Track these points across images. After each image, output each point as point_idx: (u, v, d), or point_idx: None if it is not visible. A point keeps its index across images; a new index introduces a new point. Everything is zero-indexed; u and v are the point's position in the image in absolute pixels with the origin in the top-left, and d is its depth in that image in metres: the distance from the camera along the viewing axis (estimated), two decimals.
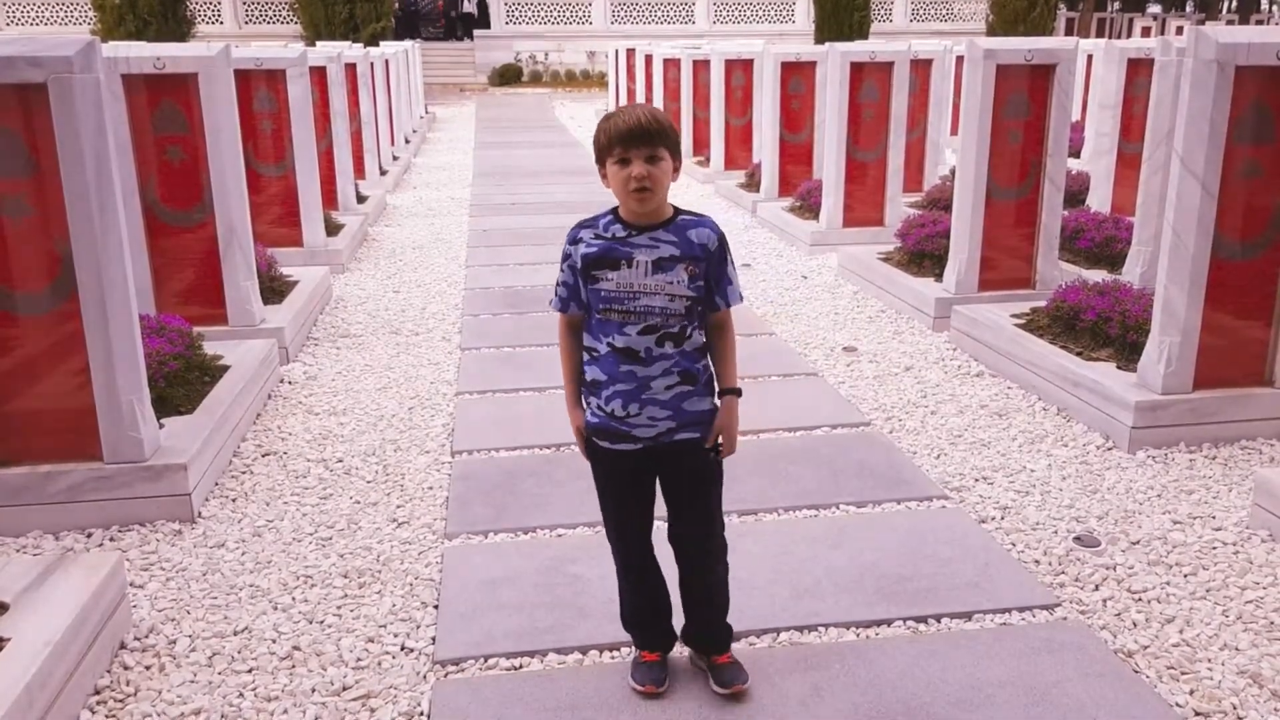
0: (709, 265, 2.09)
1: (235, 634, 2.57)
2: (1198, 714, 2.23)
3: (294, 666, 2.43)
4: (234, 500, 3.32)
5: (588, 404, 2.18)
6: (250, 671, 2.42)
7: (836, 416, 3.95)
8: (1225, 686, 2.32)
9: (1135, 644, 2.48)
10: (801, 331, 5.18)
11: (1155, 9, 38.95)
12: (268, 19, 28.02)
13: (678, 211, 2.12)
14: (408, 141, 13.18)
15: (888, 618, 2.57)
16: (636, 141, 2.01)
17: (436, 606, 2.67)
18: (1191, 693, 2.30)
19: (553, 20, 29.03)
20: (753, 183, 8.95)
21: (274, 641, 2.53)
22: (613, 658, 2.42)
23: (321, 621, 2.62)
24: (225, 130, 4.51)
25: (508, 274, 6.44)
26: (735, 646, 2.41)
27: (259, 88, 6.21)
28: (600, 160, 2.08)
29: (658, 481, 2.24)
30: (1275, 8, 34.30)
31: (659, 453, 2.14)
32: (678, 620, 2.36)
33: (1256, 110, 3.51)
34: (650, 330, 2.07)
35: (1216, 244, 3.58)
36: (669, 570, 2.32)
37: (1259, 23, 32.55)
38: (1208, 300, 3.63)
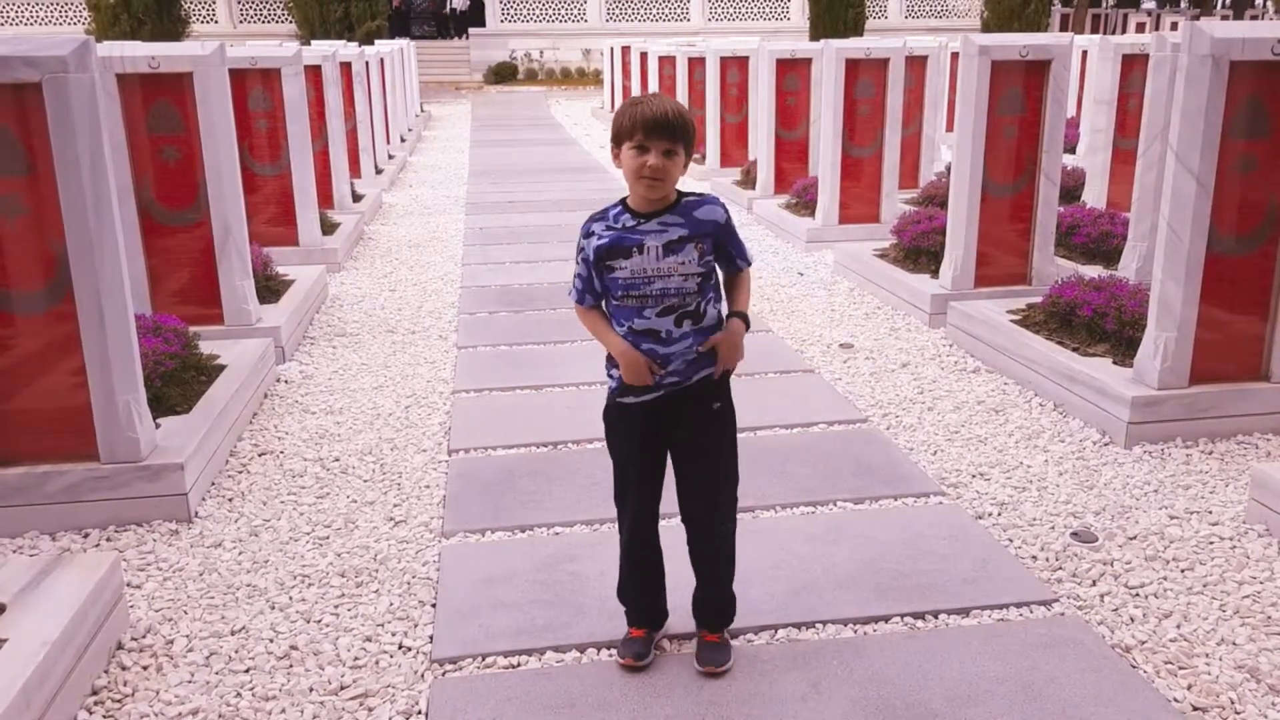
0: (720, 237, 2.20)
1: (232, 634, 2.56)
2: (1195, 709, 2.24)
3: (291, 666, 2.43)
4: (231, 500, 3.31)
5: (610, 375, 2.28)
6: (248, 671, 2.41)
7: (833, 413, 3.95)
8: (1223, 681, 2.32)
9: (1133, 639, 2.49)
10: (798, 328, 5.18)
11: (1150, 4, 38.93)
12: (262, 18, 27.95)
13: (681, 195, 2.21)
14: (403, 140, 13.16)
15: (885, 614, 2.57)
16: (659, 133, 2.10)
17: (434, 605, 2.67)
18: (1189, 688, 2.30)
19: (548, 18, 29.00)
20: (748, 180, 8.95)
21: (271, 641, 2.52)
22: (610, 655, 2.42)
23: (319, 621, 2.61)
24: (220, 129, 4.50)
25: (504, 272, 6.43)
26: (734, 644, 2.42)
27: (254, 87, 6.20)
28: (617, 141, 2.16)
29: (668, 457, 2.31)
30: (1270, 3, 34.31)
31: (677, 399, 2.22)
32: (672, 599, 2.42)
33: (1251, 105, 3.51)
34: (669, 310, 2.17)
35: (1212, 239, 3.58)
36: (673, 552, 2.33)
37: (1253, 18, 32.56)
38: (1203, 295, 3.63)
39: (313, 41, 14.50)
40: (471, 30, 29.10)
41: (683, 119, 2.12)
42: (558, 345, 4.87)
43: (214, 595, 2.74)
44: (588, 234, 2.20)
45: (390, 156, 11.39)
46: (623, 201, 2.21)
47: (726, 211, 2.23)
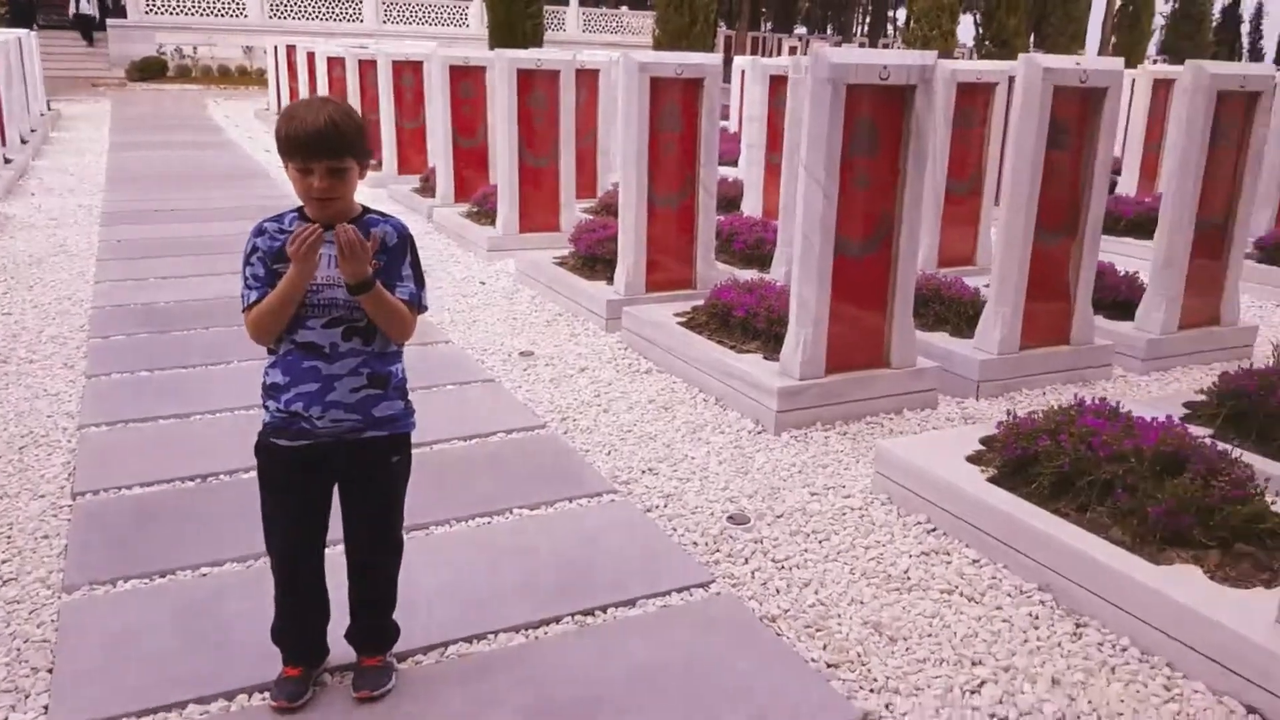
0: (390, 260, 2.06)
1: None
2: (829, 665, 2.46)
3: None
4: None
5: (265, 408, 2.09)
6: None
7: (512, 421, 3.94)
8: (852, 638, 2.58)
9: (778, 609, 2.69)
10: (479, 338, 5.13)
11: (801, 30, 43.40)
12: None
13: (365, 210, 2.07)
14: (24, 142, 11.48)
15: (556, 615, 2.58)
16: (317, 154, 1.93)
17: (50, 670, 2.31)
18: (824, 647, 2.53)
19: (202, 11, 26.62)
20: (428, 187, 8.78)
21: None
22: (263, 700, 2.22)
23: None
24: None
25: (147, 289, 5.77)
26: (401, 667, 2.32)
27: None
28: (282, 156, 1.99)
29: (335, 494, 2.14)
30: (898, 34, 39.45)
31: (342, 450, 2.06)
32: (332, 629, 2.27)
33: (864, 125, 3.95)
34: (335, 323, 2.02)
35: (839, 244, 3.99)
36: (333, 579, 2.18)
37: (885, 46, 37.28)
38: (834, 294, 4.03)
39: None
40: (110, 21, 25.98)
41: (339, 131, 1.93)
42: (209, 368, 4.44)
43: None
44: (260, 232, 2.04)
45: (7, 160, 9.87)
46: (299, 210, 2.05)
47: (403, 237, 2.08)
